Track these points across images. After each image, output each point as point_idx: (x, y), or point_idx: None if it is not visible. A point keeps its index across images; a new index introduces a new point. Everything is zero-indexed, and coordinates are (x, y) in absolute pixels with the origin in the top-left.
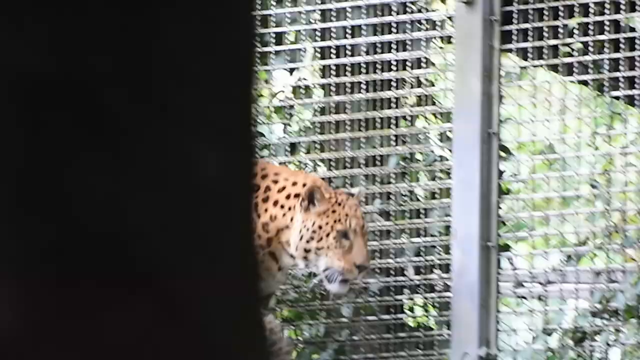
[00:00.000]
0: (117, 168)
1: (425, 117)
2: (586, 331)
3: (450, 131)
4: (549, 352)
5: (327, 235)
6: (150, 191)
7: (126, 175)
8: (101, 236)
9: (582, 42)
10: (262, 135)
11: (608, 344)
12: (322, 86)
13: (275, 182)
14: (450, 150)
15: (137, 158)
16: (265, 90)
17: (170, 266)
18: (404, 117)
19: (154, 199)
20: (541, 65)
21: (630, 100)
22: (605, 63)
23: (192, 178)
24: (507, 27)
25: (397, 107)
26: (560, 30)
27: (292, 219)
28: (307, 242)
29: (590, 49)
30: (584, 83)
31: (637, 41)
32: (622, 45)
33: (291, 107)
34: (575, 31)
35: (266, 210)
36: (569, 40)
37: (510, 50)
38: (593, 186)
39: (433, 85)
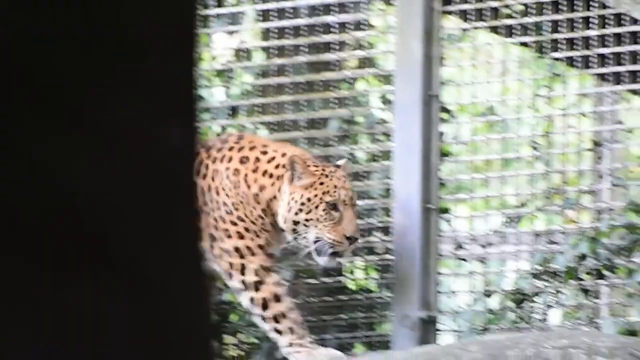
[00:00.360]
0: (67, 138)
1: (366, 80)
2: (526, 293)
3: (391, 93)
4: (489, 314)
5: (316, 207)
6: (98, 160)
7: (74, 144)
8: (54, 209)
9: (522, 4)
10: (203, 98)
11: (548, 306)
12: (264, 49)
13: (265, 152)
14: (391, 113)
15: (86, 126)
16: (206, 54)
17: (125, 237)
18: (345, 80)
19: (103, 169)
20: (482, 27)
21: (571, 62)
22: (546, 25)
23: (141, 146)
24: None
25: (338, 70)
26: None
27: (279, 190)
28: (296, 214)
29: (531, 10)
30: (525, 45)
31: (576, 2)
32: (562, 7)
33: (232, 70)
34: None
35: (256, 180)
36: (509, 1)
37: (450, 12)
38: (533, 148)
39: (374, 48)
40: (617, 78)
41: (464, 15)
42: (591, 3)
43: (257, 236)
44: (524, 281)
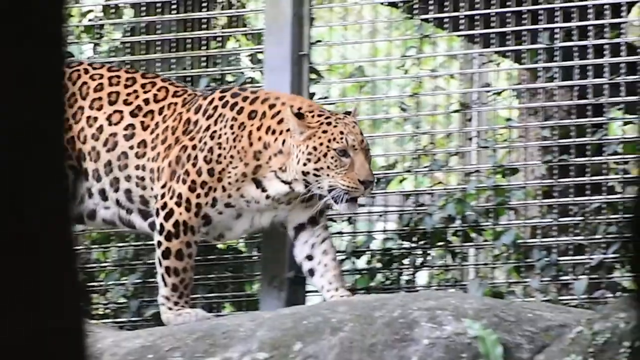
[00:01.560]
0: None
1: (236, 38)
2: (394, 254)
3: (261, 52)
4: (357, 274)
5: (325, 155)
6: None
7: None
8: None
9: None
10: (72, 55)
11: (415, 267)
12: (132, 6)
13: (272, 106)
14: (261, 72)
15: None
16: (75, 10)
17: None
18: (215, 38)
19: None
20: None
21: (440, 23)
22: None
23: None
24: None
25: (207, 28)
26: None
27: (283, 142)
28: (304, 164)
29: None
30: (394, 5)
31: None
32: None
33: (101, 27)
34: None
35: (259, 138)
36: None
37: None
38: (402, 109)
39: (244, 7)
40: (486, 40)
41: None
42: None
43: (206, 195)
44: (391, 242)
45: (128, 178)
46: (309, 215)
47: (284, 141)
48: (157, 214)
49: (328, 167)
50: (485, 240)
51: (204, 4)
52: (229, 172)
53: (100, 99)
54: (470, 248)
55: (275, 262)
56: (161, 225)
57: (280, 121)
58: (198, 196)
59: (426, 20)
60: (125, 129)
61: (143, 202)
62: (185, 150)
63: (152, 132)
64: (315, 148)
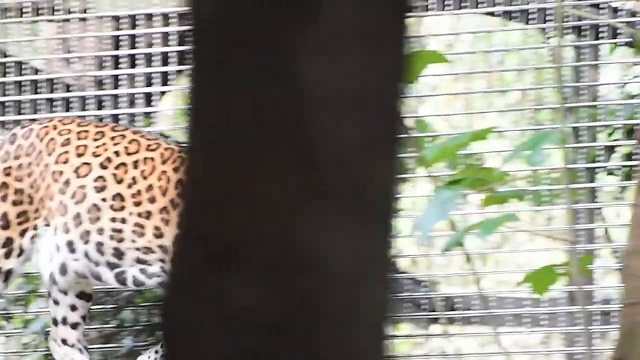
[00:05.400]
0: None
1: None
2: None
3: None
4: None
5: None
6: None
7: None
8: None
9: None
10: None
11: None
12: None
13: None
14: None
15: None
16: None
17: None
18: None
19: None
20: None
21: None
22: None
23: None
24: None
25: None
26: None
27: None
28: None
29: None
30: None
31: None
32: None
33: None
34: None
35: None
36: None
37: None
38: None
39: None
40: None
41: None
42: None
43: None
44: None
45: (100, 231)
46: None
47: None
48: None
49: None
50: (16, 328)
51: None
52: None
53: (67, 152)
54: None
55: None
56: None
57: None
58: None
59: None
60: (95, 180)
61: (116, 255)
62: None
63: (129, 187)
64: None
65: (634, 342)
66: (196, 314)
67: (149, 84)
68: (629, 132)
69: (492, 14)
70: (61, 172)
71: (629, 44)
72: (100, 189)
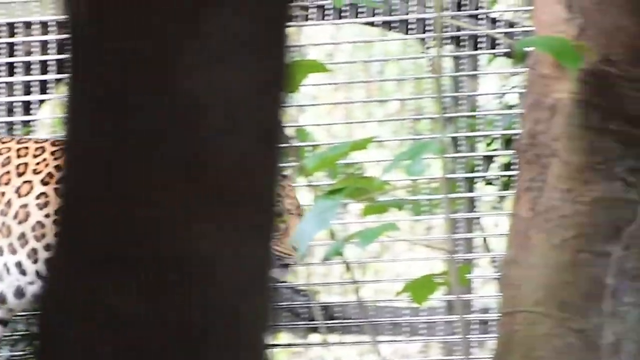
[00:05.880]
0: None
1: None
2: None
3: None
4: None
5: None
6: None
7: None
8: None
9: None
10: None
11: None
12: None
13: None
14: None
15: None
16: None
17: None
18: None
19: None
20: None
21: None
22: None
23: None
24: None
25: None
26: None
27: None
28: None
29: None
30: None
31: None
32: None
33: None
34: None
35: None
36: None
37: None
38: None
39: None
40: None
41: None
42: None
43: None
44: None
45: (47, 247)
46: None
47: None
48: None
49: None
50: None
51: None
52: None
53: (8, 172)
54: None
55: None
56: None
57: None
58: None
59: None
60: (37, 197)
61: None
62: None
63: None
64: None
65: (512, 352)
66: (70, 325)
67: (28, 92)
68: (508, 142)
69: (371, 23)
70: (3, 194)
71: (507, 55)
72: (43, 206)
